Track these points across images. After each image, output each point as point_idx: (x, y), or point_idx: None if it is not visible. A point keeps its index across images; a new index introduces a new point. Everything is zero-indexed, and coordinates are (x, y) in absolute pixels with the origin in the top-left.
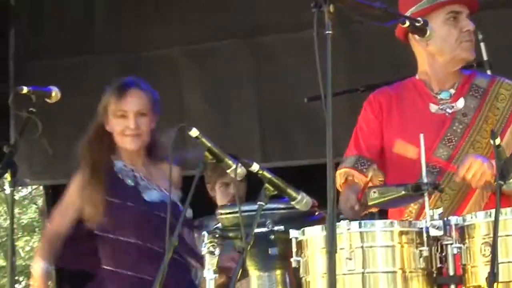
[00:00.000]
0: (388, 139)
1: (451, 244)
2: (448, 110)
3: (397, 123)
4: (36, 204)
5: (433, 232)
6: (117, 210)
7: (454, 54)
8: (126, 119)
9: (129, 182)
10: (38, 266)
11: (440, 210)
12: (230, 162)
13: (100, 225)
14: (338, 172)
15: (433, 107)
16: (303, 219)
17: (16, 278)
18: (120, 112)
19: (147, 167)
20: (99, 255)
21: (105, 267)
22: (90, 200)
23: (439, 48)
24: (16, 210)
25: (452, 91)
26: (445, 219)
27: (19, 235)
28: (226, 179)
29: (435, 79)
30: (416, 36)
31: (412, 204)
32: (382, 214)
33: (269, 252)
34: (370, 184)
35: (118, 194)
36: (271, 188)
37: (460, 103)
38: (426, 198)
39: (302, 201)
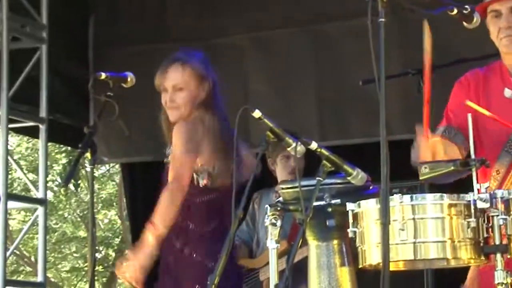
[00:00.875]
0: (474, 118)
1: (497, 215)
2: None
3: (481, 104)
4: (113, 181)
5: (480, 205)
6: None
7: (499, 49)
8: (166, 93)
9: None
10: None
11: (487, 184)
12: (290, 140)
13: None
14: None
15: (508, 92)
16: (358, 193)
17: (96, 247)
18: (162, 87)
19: None
20: None
21: None
22: None
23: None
24: (96, 186)
25: None
26: (491, 192)
27: (98, 209)
28: (287, 152)
29: (509, 65)
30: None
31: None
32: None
33: (327, 223)
34: None
35: None
36: (328, 165)
37: None
38: (474, 174)
39: (357, 176)
